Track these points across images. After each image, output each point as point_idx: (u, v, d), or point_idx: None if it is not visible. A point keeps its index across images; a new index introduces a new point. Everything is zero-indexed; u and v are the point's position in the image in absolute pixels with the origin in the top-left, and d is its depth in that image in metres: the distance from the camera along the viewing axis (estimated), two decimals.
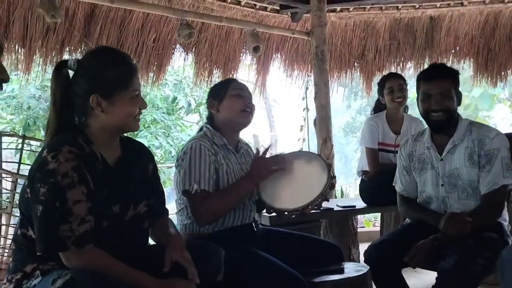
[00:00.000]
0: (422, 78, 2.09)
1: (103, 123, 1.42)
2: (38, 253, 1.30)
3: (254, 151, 2.09)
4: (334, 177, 1.97)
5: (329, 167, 1.92)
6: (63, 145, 1.33)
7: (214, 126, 2.01)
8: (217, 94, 2.03)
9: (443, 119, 2.03)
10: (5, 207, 2.64)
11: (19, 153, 2.86)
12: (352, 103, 21.22)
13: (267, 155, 1.93)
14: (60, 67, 1.45)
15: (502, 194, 1.99)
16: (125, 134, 1.58)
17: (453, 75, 2.07)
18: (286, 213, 1.88)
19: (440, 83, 2.03)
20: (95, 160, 1.41)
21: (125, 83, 1.42)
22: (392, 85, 3.00)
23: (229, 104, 2.00)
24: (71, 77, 1.45)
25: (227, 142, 2.00)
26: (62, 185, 1.29)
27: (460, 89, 2.12)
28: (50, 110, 1.47)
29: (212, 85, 2.21)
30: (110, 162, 1.46)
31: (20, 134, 4.56)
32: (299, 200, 1.84)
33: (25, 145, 2.96)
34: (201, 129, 2.06)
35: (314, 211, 1.95)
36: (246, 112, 2.00)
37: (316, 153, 2.31)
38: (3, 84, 1.43)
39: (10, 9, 3.42)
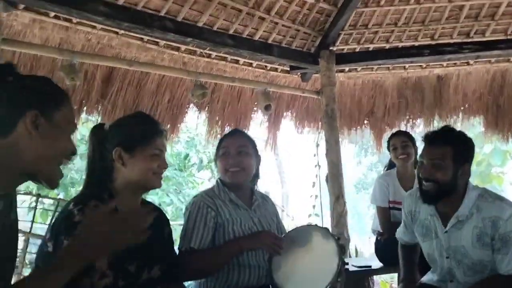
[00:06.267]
0: (423, 141, 1.97)
1: (125, 177, 1.50)
2: None
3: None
4: (339, 238, 1.91)
5: (328, 231, 1.86)
6: (90, 199, 1.39)
7: (223, 182, 2.04)
8: (215, 154, 2.07)
9: (432, 191, 1.88)
10: (16, 266, 2.61)
11: (33, 212, 2.88)
12: (362, 159, 21.19)
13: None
14: (96, 128, 1.58)
15: None
16: (145, 198, 1.62)
17: (454, 142, 1.89)
18: None
19: (433, 151, 1.88)
20: None
21: (147, 139, 1.52)
22: (395, 142, 3.06)
23: (219, 165, 2.03)
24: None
25: (236, 198, 1.99)
26: None
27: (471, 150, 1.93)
28: (85, 166, 1.58)
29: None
30: None
31: (35, 192, 4.60)
32: (318, 282, 1.75)
33: (38, 204, 2.99)
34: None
35: None
36: (229, 172, 1.99)
37: (313, 224, 2.26)
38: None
39: (32, 71, 3.58)
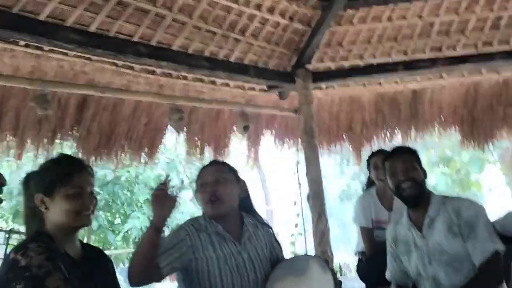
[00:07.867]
0: (387, 158, 2.21)
1: (51, 221, 1.49)
2: None
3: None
4: (336, 272, 1.97)
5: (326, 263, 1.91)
6: (30, 243, 1.40)
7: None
8: (196, 187, 2.04)
9: (414, 191, 2.07)
10: None
11: (4, 249, 2.77)
12: (345, 169, 21.27)
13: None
14: (26, 177, 1.57)
15: (497, 260, 1.94)
16: (84, 240, 1.66)
17: (413, 152, 2.20)
18: None
19: (403, 157, 2.15)
20: (61, 254, 1.46)
21: (63, 180, 1.50)
22: (377, 161, 2.98)
23: (199, 198, 2.00)
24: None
25: (223, 230, 1.93)
26: (39, 275, 1.31)
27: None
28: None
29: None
30: (74, 258, 1.52)
31: (9, 221, 4.47)
32: None
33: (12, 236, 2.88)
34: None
35: None
36: (210, 202, 1.95)
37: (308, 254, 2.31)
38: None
39: (3, 100, 3.50)
